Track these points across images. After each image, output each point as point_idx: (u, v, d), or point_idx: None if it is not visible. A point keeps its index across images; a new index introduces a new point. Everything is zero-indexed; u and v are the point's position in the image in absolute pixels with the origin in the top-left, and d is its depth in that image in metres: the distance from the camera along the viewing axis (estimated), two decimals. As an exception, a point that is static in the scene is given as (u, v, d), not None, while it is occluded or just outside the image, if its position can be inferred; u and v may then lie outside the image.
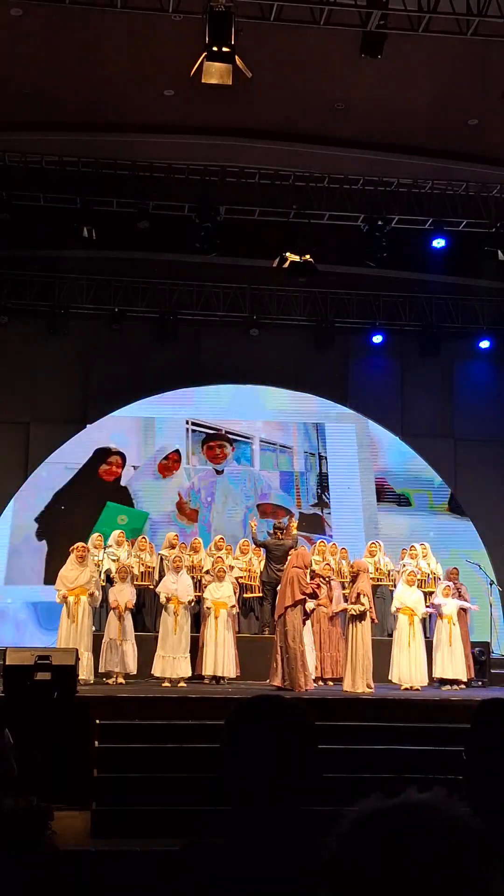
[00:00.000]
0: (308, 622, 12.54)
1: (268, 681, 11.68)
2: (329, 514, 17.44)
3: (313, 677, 12.58)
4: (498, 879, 1.03)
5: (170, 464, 17.25)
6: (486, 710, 2.21)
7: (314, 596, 11.92)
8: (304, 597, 11.58)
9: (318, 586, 12.05)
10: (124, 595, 12.45)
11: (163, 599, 12.33)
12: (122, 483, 17.02)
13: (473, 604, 13.65)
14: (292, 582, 11.57)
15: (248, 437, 17.53)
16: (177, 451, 17.27)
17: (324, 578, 12.92)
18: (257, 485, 17.41)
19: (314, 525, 17.23)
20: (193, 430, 17.39)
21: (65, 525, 15.83)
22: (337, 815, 1.11)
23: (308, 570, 11.92)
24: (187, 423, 17.39)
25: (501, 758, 2.04)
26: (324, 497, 17.49)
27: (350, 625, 11.81)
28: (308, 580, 11.72)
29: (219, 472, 17.33)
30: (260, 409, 17.46)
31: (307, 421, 17.62)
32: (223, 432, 17.48)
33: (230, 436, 17.47)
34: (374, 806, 1.08)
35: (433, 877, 1.00)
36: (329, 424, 17.63)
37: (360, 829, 1.06)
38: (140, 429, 17.23)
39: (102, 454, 17.01)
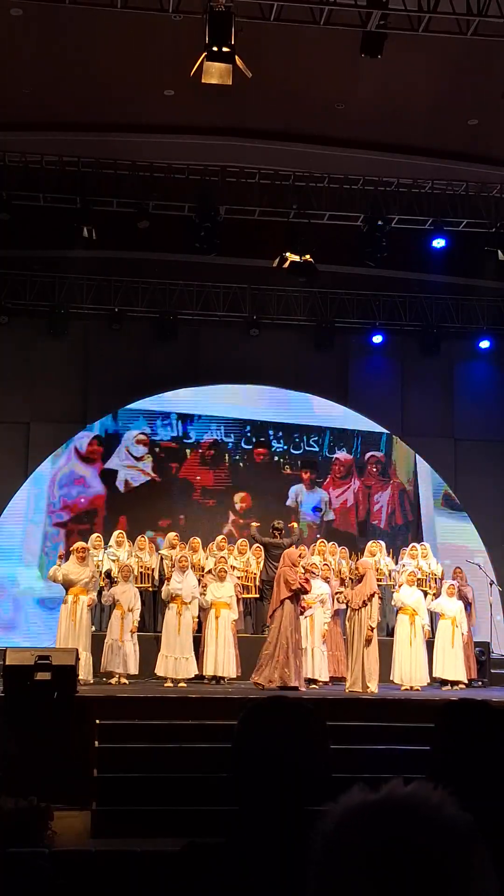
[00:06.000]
0: (321, 625, 12.52)
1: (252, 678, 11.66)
2: None
3: (326, 679, 12.53)
4: (490, 874, 0.99)
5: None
6: (452, 711, 2.22)
7: (304, 591, 11.92)
8: (290, 593, 11.64)
9: (307, 580, 12.05)
10: (128, 595, 12.43)
11: (165, 598, 12.32)
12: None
13: (476, 603, 13.66)
14: (278, 581, 11.80)
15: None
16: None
17: (313, 573, 12.86)
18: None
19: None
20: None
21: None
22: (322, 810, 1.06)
23: (297, 568, 11.93)
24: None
25: (466, 759, 2.05)
26: None
27: (358, 626, 11.76)
28: (296, 577, 11.79)
29: None
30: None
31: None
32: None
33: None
34: (358, 801, 1.02)
35: (425, 874, 0.96)
36: None
37: (345, 826, 1.01)
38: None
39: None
